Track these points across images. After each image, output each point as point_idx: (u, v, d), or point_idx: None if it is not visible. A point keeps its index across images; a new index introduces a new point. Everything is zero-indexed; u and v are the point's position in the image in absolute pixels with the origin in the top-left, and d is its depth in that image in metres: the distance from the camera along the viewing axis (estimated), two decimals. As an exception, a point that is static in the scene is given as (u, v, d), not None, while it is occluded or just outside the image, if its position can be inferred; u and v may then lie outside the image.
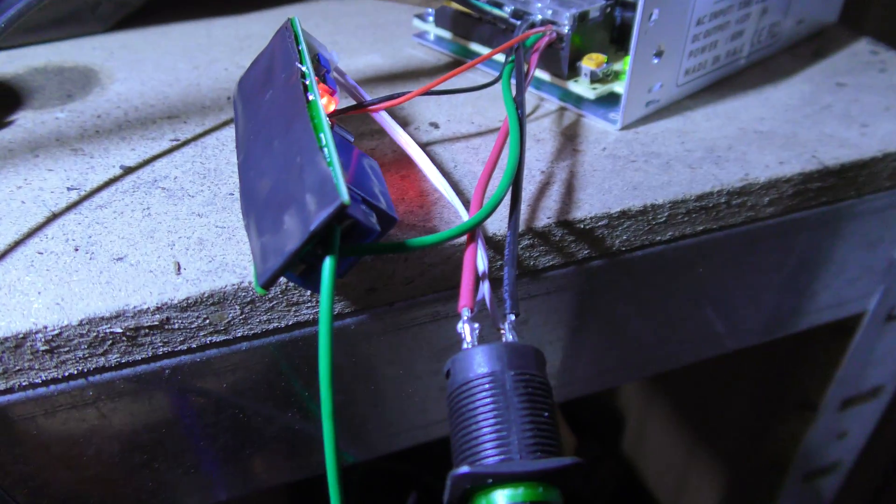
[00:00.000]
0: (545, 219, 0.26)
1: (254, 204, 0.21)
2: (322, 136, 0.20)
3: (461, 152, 0.29)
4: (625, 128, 0.31)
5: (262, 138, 0.22)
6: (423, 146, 0.29)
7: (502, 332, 0.21)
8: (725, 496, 0.64)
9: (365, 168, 0.22)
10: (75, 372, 0.22)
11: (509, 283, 0.21)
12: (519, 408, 0.18)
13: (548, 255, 0.27)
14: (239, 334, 0.24)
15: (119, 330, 0.22)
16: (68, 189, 0.26)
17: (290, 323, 0.24)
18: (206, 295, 0.22)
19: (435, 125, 0.31)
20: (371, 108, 0.26)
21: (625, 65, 0.32)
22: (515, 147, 0.24)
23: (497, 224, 0.25)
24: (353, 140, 0.24)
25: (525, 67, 0.29)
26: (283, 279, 0.23)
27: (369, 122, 0.30)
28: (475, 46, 0.35)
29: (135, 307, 0.21)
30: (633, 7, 0.32)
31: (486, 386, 0.18)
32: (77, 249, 0.23)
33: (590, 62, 0.31)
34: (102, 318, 0.21)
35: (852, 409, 0.45)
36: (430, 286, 0.26)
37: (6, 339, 0.20)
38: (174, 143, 0.29)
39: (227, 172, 0.27)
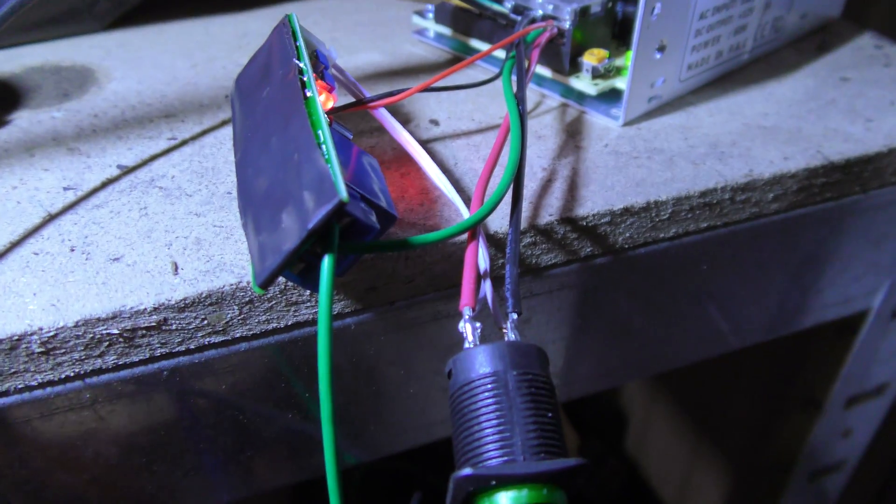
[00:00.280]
0: (547, 216, 0.25)
1: (251, 202, 0.21)
2: (320, 132, 0.20)
3: (462, 149, 0.29)
4: (627, 124, 0.31)
5: (260, 136, 0.22)
6: (424, 143, 0.29)
7: (504, 331, 0.20)
8: (730, 495, 0.64)
9: (364, 165, 0.22)
10: (72, 374, 0.22)
11: (511, 281, 0.21)
12: (522, 408, 0.18)
13: (550, 252, 0.26)
14: (238, 335, 0.23)
15: (116, 331, 0.21)
16: (65, 189, 0.26)
17: (290, 323, 0.24)
18: (203, 295, 0.22)
19: (435, 122, 0.31)
20: (370, 104, 0.26)
21: (627, 60, 0.32)
22: (516, 144, 0.24)
23: (499, 222, 0.25)
24: (351, 137, 0.23)
25: (526, 63, 0.29)
26: (281, 278, 0.22)
27: (369, 119, 0.30)
28: (475, 43, 0.35)
29: (131, 308, 0.21)
30: (634, 1, 0.32)
31: (489, 386, 0.18)
32: (73, 250, 0.23)
33: (591, 58, 0.31)
34: (99, 320, 0.21)
35: (857, 408, 0.45)
36: (432, 285, 0.25)
37: (1, 341, 0.20)
38: (172, 142, 0.29)
39: (224, 171, 0.27)
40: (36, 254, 0.23)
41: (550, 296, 0.28)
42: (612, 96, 0.31)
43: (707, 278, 0.31)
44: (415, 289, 0.25)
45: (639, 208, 0.26)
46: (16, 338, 0.20)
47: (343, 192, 0.17)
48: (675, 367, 0.35)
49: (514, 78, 0.27)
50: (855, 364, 0.42)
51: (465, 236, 0.23)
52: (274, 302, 0.23)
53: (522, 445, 0.17)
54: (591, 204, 0.26)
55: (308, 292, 0.23)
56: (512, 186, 0.23)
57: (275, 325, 0.24)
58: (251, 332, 0.23)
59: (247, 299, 0.22)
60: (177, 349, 0.23)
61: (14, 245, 0.23)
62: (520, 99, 0.26)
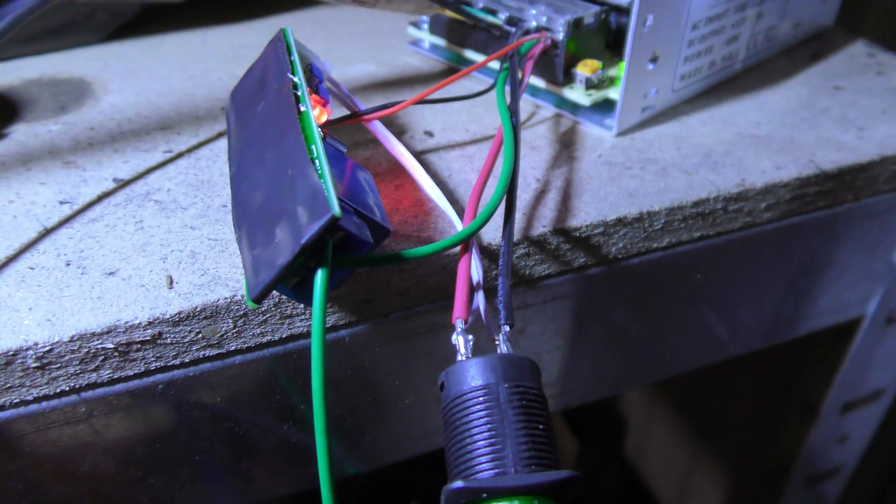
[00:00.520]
0: (541, 227, 0.26)
1: (246, 216, 0.21)
2: (314, 147, 0.20)
3: (456, 161, 0.29)
4: (620, 134, 0.31)
5: (255, 150, 0.22)
6: (418, 155, 0.29)
7: (497, 343, 0.20)
8: (728, 500, 0.64)
9: (358, 179, 0.22)
10: (67, 388, 0.22)
11: (504, 293, 0.21)
12: (513, 420, 0.18)
13: (544, 263, 0.26)
14: (232, 348, 0.23)
15: (111, 345, 0.21)
16: (60, 203, 0.26)
17: (284, 336, 0.24)
18: (198, 309, 0.22)
19: (430, 133, 0.31)
20: (365, 117, 0.26)
21: (620, 71, 0.32)
22: (510, 155, 0.24)
23: (492, 233, 0.25)
24: (345, 151, 0.24)
25: (520, 74, 0.29)
26: (275, 292, 0.22)
27: (364, 131, 0.30)
28: (470, 54, 0.35)
29: (126, 322, 0.21)
30: (627, 13, 0.32)
31: (480, 399, 0.18)
32: (69, 264, 0.23)
33: (585, 68, 0.31)
34: (94, 334, 0.21)
35: (853, 413, 0.45)
36: (426, 296, 0.25)
37: (-3, 355, 0.20)
38: (167, 154, 0.29)
39: (220, 184, 0.27)
40: (32, 268, 0.23)
41: (545, 306, 0.28)
42: (606, 107, 0.32)
43: (701, 287, 0.31)
44: (409, 300, 0.25)
45: (632, 219, 0.27)
46: (11, 353, 0.20)
47: (336, 208, 0.18)
48: (671, 376, 0.35)
49: (507, 89, 0.27)
50: (850, 370, 0.42)
51: (458, 248, 0.23)
52: (268, 315, 0.23)
53: (513, 458, 0.17)
54: (585, 215, 0.26)
55: (302, 305, 0.23)
56: (505, 198, 0.23)
57: (269, 337, 0.24)
58: (246, 346, 0.23)
59: (241, 313, 0.23)
60: (172, 363, 0.23)
61: (10, 260, 0.23)
62: (513, 111, 0.26)
